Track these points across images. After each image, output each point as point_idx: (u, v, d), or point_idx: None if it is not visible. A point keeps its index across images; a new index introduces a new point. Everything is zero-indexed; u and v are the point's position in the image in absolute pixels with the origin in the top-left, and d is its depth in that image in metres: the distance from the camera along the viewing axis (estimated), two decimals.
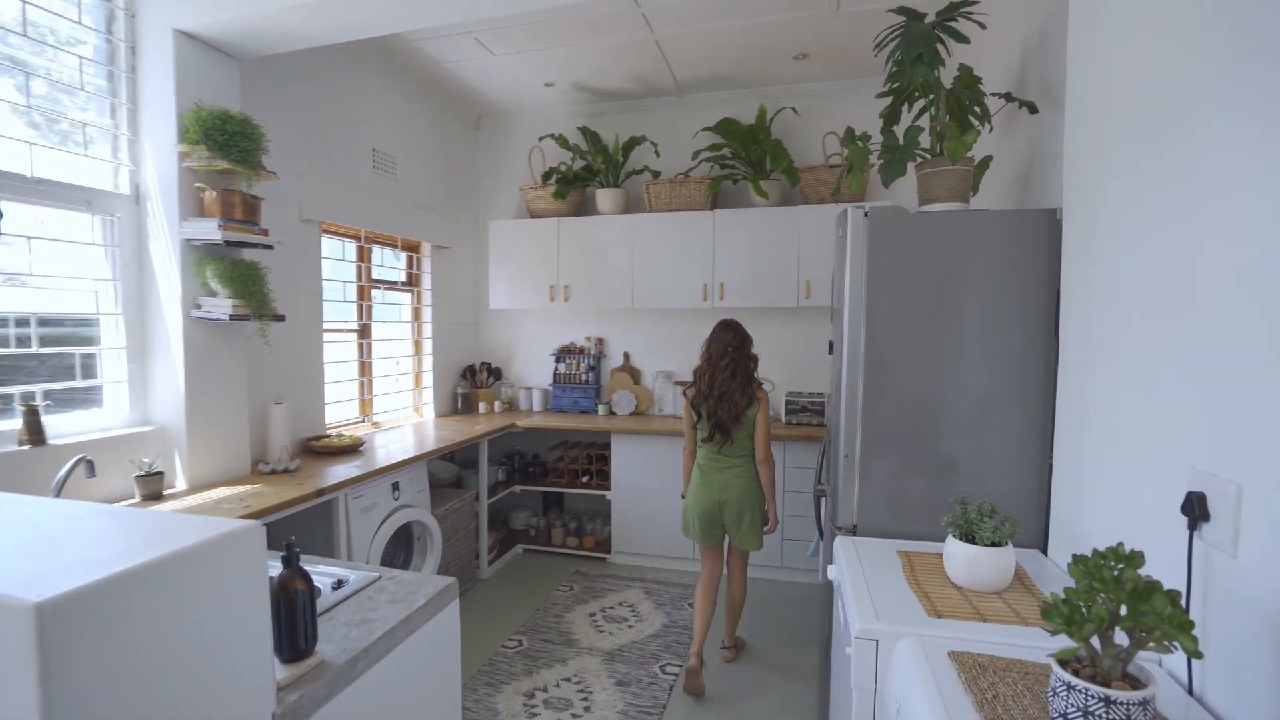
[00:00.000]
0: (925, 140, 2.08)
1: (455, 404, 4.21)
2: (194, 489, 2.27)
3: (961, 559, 1.53)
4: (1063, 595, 1.00)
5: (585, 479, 3.98)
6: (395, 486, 2.78)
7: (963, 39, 1.84)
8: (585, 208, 4.21)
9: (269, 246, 2.39)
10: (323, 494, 2.32)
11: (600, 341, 4.31)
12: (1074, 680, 0.94)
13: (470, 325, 4.48)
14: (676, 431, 3.61)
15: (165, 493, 2.19)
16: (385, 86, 3.51)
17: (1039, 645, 1.28)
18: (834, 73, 3.59)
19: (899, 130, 2.04)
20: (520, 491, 4.11)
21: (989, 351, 1.88)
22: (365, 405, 3.54)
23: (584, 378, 4.25)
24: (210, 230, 2.18)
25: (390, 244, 3.71)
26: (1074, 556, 1.01)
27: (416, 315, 3.97)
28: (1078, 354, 1.62)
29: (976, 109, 2.03)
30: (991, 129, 2.09)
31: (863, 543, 1.87)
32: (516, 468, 4.16)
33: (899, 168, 1.94)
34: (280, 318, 2.41)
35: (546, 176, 3.97)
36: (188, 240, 2.24)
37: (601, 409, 4.16)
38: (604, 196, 3.96)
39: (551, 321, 4.42)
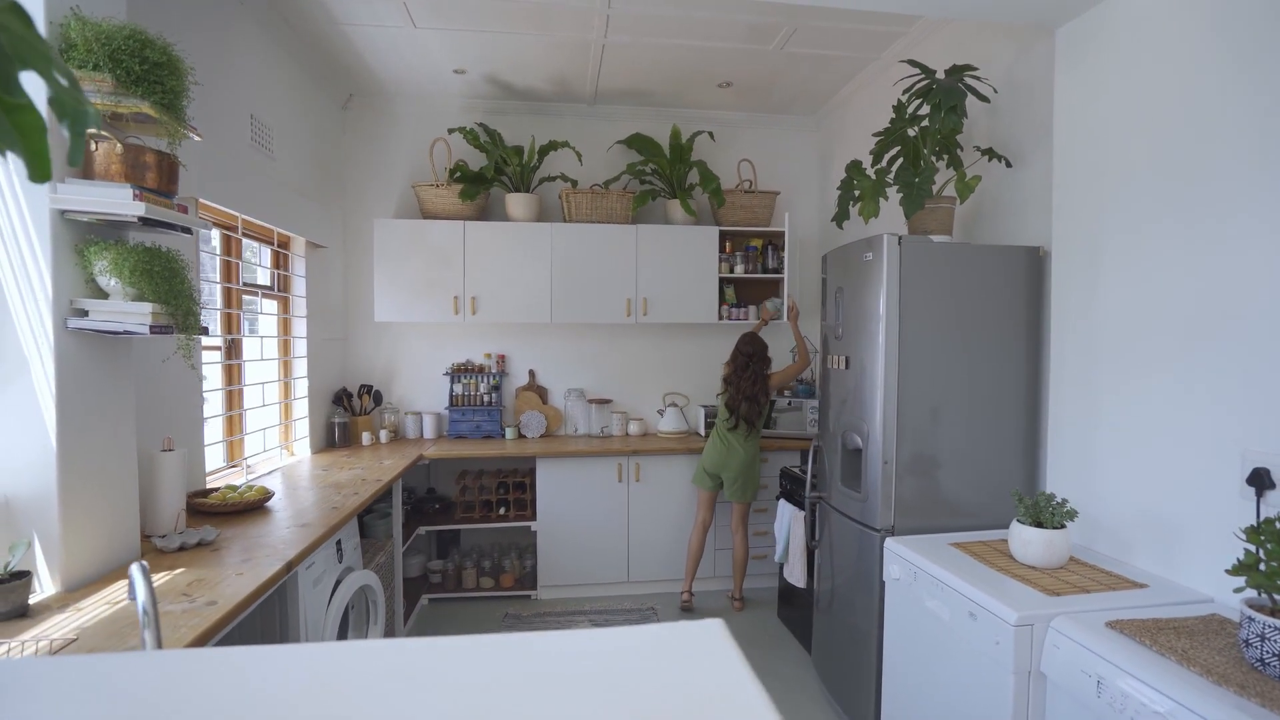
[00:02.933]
0: (879, 178, 2.38)
1: (333, 436, 3.45)
2: (76, 590, 1.50)
3: (1039, 542, 1.77)
4: (1245, 560, 1.25)
5: (502, 510, 3.58)
6: (338, 547, 2.19)
7: (984, 98, 2.16)
8: (488, 212, 3.83)
9: (188, 231, 1.72)
10: (291, 568, 1.72)
11: (502, 359, 3.94)
12: None
13: (339, 341, 3.72)
14: (599, 451, 3.48)
15: (33, 603, 1.41)
16: (264, 42, 2.77)
17: (1150, 605, 1.56)
18: (749, 105, 3.86)
19: (867, 169, 2.31)
20: (424, 533, 3.52)
21: (984, 363, 2.21)
22: (235, 445, 2.70)
23: (486, 399, 3.84)
24: (116, 200, 1.49)
25: (264, 238, 2.91)
26: (1251, 527, 1.26)
27: (285, 328, 3.17)
28: (1078, 366, 2.00)
29: (945, 156, 2.39)
30: (970, 178, 2.46)
31: (912, 541, 2.03)
32: (412, 505, 3.57)
33: (919, 202, 2.18)
34: (204, 330, 1.74)
35: (453, 174, 3.52)
36: (64, 212, 1.49)
37: (509, 432, 3.80)
38: (515, 202, 3.65)
39: (443, 337, 3.90)
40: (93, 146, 1.52)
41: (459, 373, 3.83)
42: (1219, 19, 1.57)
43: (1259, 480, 1.48)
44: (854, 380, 2.32)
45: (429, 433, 3.76)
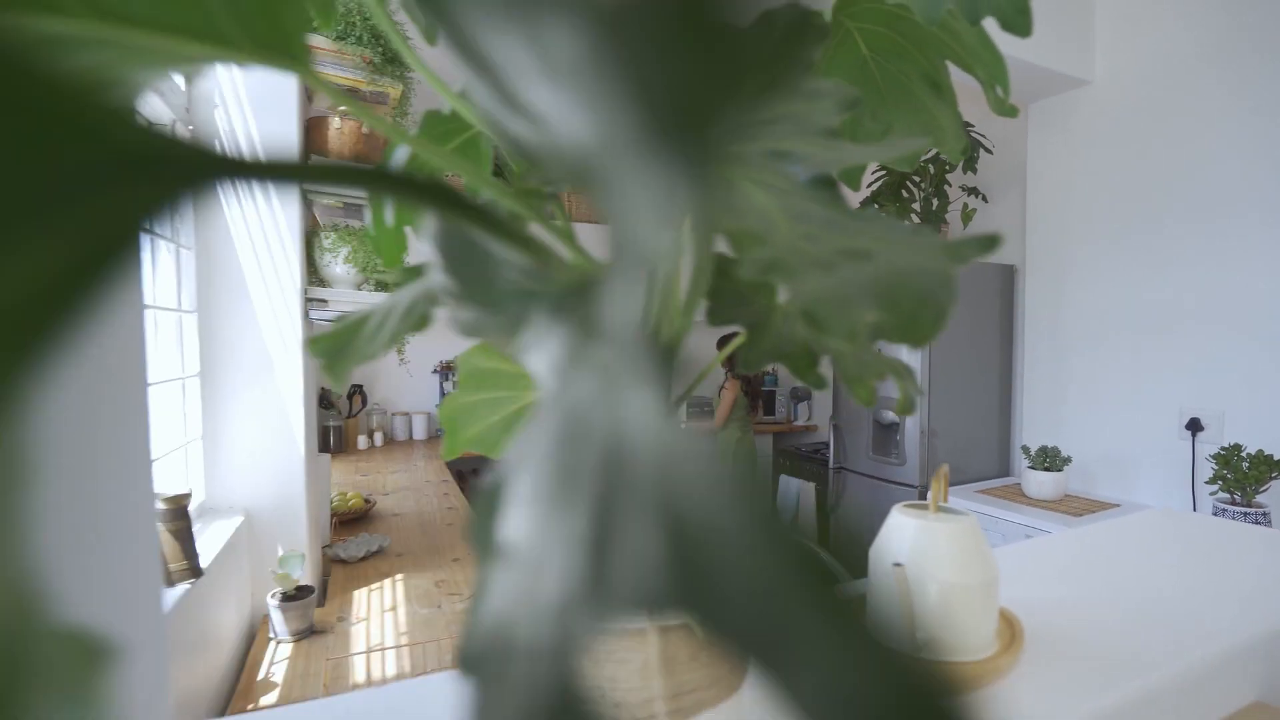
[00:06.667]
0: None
1: (327, 442, 3.12)
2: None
3: (1050, 483, 2.41)
4: (1214, 472, 1.93)
5: None
6: None
7: (989, 150, 2.77)
8: None
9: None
10: None
11: None
12: (1245, 509, 1.86)
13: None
14: None
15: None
16: None
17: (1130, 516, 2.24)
18: None
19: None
20: None
21: (972, 351, 2.85)
22: None
23: None
24: None
25: None
26: (1215, 453, 1.95)
27: None
28: (1048, 354, 2.69)
29: (931, 189, 3.01)
30: (968, 209, 3.09)
31: (952, 491, 2.59)
32: None
33: (936, 227, 2.74)
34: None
35: None
36: (306, 194, 1.37)
37: None
38: None
39: (427, 331, 3.70)
40: (336, 123, 1.40)
41: (448, 370, 3.68)
42: (1164, 106, 2.30)
43: (1194, 425, 2.23)
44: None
45: (419, 434, 3.56)
